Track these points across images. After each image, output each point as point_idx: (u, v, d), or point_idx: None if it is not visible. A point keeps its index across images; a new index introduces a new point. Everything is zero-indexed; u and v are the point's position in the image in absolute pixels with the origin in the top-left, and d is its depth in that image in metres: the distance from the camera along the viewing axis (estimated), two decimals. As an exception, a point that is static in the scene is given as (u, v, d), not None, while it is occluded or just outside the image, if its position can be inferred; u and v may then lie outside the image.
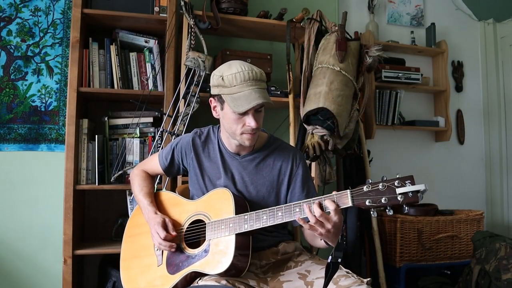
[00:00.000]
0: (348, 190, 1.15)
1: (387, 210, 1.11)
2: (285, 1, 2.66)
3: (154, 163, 1.59)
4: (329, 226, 1.15)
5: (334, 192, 1.18)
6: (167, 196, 1.52)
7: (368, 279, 1.22)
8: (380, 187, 1.11)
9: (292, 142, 2.31)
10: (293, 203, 1.24)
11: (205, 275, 1.28)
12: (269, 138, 1.50)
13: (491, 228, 3.14)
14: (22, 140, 2.24)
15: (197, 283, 1.28)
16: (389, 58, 2.87)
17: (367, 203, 1.11)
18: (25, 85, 2.26)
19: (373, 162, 2.82)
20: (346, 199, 1.15)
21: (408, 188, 1.07)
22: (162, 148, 2.05)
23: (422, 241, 2.44)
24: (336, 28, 2.19)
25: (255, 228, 1.26)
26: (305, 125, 2.13)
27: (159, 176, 1.80)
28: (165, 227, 1.36)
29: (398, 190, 1.08)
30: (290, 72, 2.33)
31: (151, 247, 1.43)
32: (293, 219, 1.23)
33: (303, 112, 2.11)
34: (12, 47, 2.25)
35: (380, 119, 2.85)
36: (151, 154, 2.09)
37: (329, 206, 1.15)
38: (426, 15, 3.17)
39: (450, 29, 3.21)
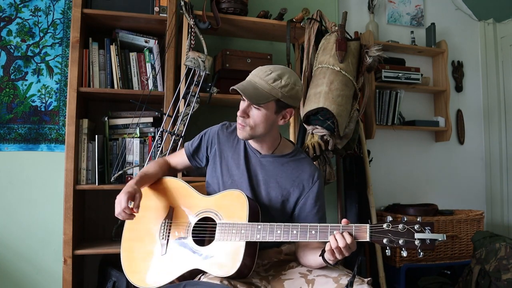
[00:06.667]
0: (367, 225, 1.16)
1: (401, 251, 1.12)
2: (285, 1, 2.66)
3: (179, 152, 1.64)
4: (346, 254, 1.16)
5: (352, 225, 1.18)
6: (180, 184, 1.49)
7: (369, 278, 1.23)
8: (400, 228, 1.11)
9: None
10: (310, 224, 1.22)
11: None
12: (295, 149, 1.51)
13: (491, 228, 3.14)
14: (22, 140, 2.24)
15: (199, 279, 1.28)
16: (389, 58, 2.88)
17: (384, 241, 1.12)
18: (25, 85, 2.26)
19: (373, 162, 2.82)
20: (364, 233, 1.15)
21: (427, 235, 1.09)
22: (162, 147, 2.06)
23: (422, 241, 2.43)
24: (336, 28, 2.19)
25: (267, 240, 1.24)
26: (305, 125, 2.13)
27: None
28: (132, 199, 1.35)
29: (417, 235, 1.09)
30: (290, 72, 2.33)
31: (155, 234, 1.42)
32: (307, 240, 1.22)
33: (303, 112, 2.11)
34: (12, 47, 2.25)
35: (380, 119, 2.85)
36: (150, 154, 2.10)
37: (346, 237, 1.15)
38: (426, 15, 3.17)
39: (450, 29, 3.21)
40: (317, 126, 2.05)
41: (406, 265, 2.42)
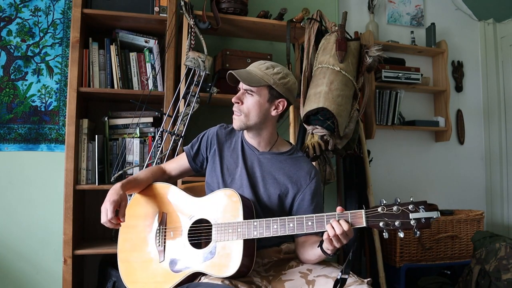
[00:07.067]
0: (362, 211, 1.16)
1: (398, 232, 1.13)
2: (285, 1, 2.66)
3: (178, 157, 1.64)
4: (344, 241, 1.17)
5: (347, 212, 1.18)
6: (170, 189, 1.47)
7: (369, 279, 1.23)
8: (395, 210, 1.13)
9: (292, 142, 2.31)
10: (306, 216, 1.23)
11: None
12: (292, 148, 1.55)
13: (491, 228, 3.14)
14: (22, 140, 2.24)
15: (200, 280, 1.28)
16: (389, 58, 2.88)
17: (380, 225, 1.13)
18: (25, 85, 2.26)
19: (373, 162, 2.82)
20: (360, 219, 1.16)
21: (422, 214, 1.10)
22: (162, 147, 2.05)
23: (422, 241, 2.44)
24: (336, 28, 2.18)
25: (264, 236, 1.25)
26: (305, 125, 2.13)
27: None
28: (118, 207, 1.32)
29: (412, 215, 1.11)
30: (290, 72, 2.33)
31: (151, 242, 1.40)
32: (304, 232, 1.23)
33: (303, 112, 2.11)
34: (12, 47, 2.25)
35: (380, 119, 2.85)
36: (150, 154, 2.10)
37: (343, 225, 1.15)
38: (426, 15, 3.17)
39: (450, 29, 3.21)
40: (317, 126, 2.05)
41: (406, 265, 2.42)
